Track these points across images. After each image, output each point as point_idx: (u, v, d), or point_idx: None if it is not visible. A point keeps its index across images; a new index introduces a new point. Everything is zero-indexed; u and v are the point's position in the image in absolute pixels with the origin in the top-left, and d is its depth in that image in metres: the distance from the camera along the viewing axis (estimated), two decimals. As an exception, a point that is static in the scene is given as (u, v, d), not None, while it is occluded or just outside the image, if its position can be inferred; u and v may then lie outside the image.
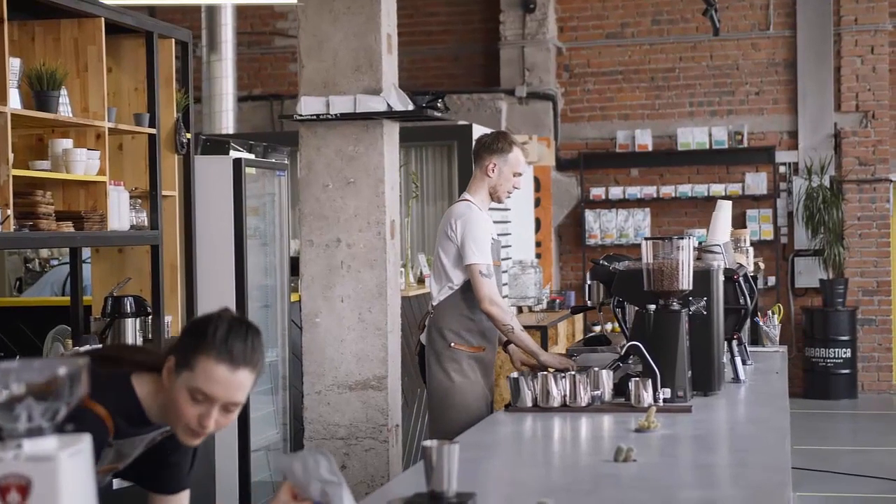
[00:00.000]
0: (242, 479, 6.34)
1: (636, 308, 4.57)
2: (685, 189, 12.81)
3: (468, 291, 5.19)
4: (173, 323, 5.94)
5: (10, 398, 1.75)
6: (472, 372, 5.21)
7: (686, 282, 4.41)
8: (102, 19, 5.21)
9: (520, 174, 5.37)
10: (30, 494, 1.70)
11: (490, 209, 5.13)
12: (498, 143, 5.34)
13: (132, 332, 5.46)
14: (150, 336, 5.67)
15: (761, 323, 6.43)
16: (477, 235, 5.15)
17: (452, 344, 5.22)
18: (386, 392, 5.83)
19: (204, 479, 5.92)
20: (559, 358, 5.16)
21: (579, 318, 11.50)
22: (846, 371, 12.34)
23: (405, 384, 6.60)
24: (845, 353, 12.30)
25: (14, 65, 4.69)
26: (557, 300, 11.21)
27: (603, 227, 13.01)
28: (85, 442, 1.79)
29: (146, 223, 5.64)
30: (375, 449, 5.79)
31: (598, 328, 12.29)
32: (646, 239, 4.49)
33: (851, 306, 12.48)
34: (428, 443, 2.76)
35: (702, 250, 5.13)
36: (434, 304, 5.33)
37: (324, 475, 2.55)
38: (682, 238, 4.44)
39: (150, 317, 5.65)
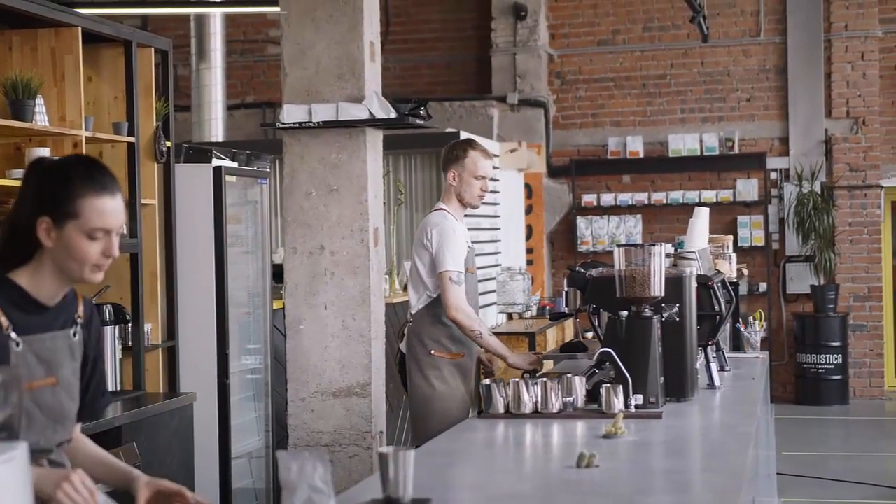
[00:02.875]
0: (223, 487, 6.35)
1: (609, 314, 4.58)
2: (676, 195, 12.82)
3: None
4: (153, 331, 5.95)
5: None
6: (452, 379, 5.26)
7: (658, 288, 4.42)
8: (79, 29, 5.23)
9: (482, 177, 5.39)
10: (-40, 501, 1.72)
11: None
12: (453, 151, 5.43)
13: (111, 339, 5.47)
14: (129, 344, 5.69)
15: (742, 329, 6.43)
16: (451, 244, 5.22)
17: (432, 351, 5.28)
18: (370, 399, 5.84)
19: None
20: (526, 357, 5.23)
21: (569, 324, 11.50)
22: (837, 377, 12.34)
23: (389, 391, 6.61)
24: (836, 358, 12.31)
25: (-11, 74, 4.72)
26: (548, 307, 11.21)
27: (595, 233, 13.03)
28: (19, 450, 1.80)
29: (125, 231, 5.67)
30: (359, 456, 5.81)
31: (590, 335, 12.29)
32: (618, 246, 4.51)
33: (843, 312, 12.48)
34: (383, 449, 2.78)
35: (677, 257, 5.14)
36: (412, 312, 5.40)
37: (316, 483, 2.57)
38: (654, 245, 4.45)
39: (129, 325, 5.66)
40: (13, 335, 2.68)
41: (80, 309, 2.88)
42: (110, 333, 5.47)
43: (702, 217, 5.58)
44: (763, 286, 12.61)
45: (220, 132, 10.74)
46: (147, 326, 5.83)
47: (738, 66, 12.92)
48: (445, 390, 5.22)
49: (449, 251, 5.20)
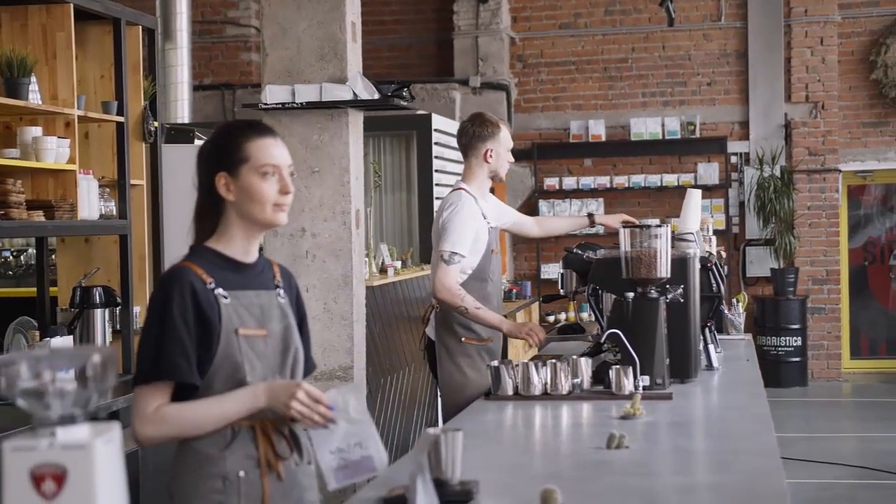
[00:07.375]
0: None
1: (614, 296, 4.57)
2: (638, 179, 12.87)
3: (473, 283, 5.14)
4: (142, 313, 5.87)
5: (42, 386, 1.72)
6: (482, 364, 5.13)
7: (664, 269, 4.42)
8: (71, 5, 5.12)
9: (511, 147, 5.46)
10: (65, 483, 1.68)
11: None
12: (487, 128, 5.36)
13: (101, 322, 5.39)
14: (118, 327, 5.60)
15: (726, 311, 6.47)
16: (457, 224, 5.11)
17: (463, 339, 5.17)
18: (352, 382, 5.81)
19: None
20: (521, 326, 5.20)
21: (535, 307, 11.54)
22: (797, 359, 12.48)
23: (370, 374, 6.58)
24: (796, 341, 12.44)
25: (-18, 51, 4.61)
26: (514, 290, 11.25)
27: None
28: (115, 430, 1.76)
29: (114, 212, 5.57)
30: (342, 439, 5.77)
31: (552, 318, 12.34)
32: (624, 226, 4.49)
33: (802, 295, 12.62)
34: (432, 430, 2.75)
35: (675, 238, 5.14)
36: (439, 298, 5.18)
37: (352, 414, 2.58)
38: (660, 226, 4.45)
39: (118, 307, 5.57)
40: (219, 290, 2.84)
41: (277, 275, 3.00)
42: (100, 316, 5.38)
43: (695, 199, 5.59)
44: (724, 269, 12.69)
45: (185, 114, 10.59)
46: (136, 309, 5.75)
47: (700, 51, 12.99)
48: (477, 377, 5.11)
49: (451, 231, 5.09)
